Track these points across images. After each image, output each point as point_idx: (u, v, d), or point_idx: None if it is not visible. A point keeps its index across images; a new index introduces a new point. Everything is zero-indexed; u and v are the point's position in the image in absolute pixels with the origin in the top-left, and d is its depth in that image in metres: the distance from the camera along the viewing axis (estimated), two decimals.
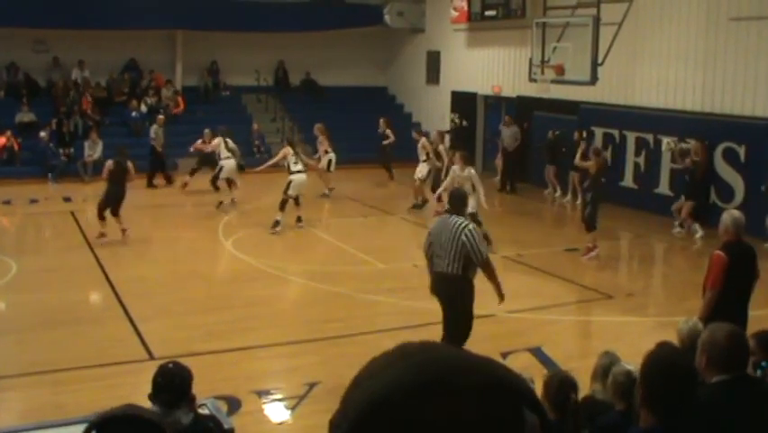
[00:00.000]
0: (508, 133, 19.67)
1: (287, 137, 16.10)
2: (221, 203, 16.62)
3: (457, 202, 7.74)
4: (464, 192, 8.44)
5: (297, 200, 14.78)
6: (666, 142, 15.72)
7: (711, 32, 15.35)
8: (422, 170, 16.82)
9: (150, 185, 19.24)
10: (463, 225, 7.35)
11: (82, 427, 1.98)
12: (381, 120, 20.53)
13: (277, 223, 14.45)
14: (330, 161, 18.01)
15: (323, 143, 18.10)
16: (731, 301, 6.72)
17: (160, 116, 20.35)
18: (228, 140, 17.15)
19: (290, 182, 14.62)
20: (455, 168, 13.82)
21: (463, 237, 7.24)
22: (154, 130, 19.82)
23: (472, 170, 13.60)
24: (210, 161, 17.92)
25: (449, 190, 12.63)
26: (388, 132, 20.16)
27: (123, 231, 13.70)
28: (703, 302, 6.88)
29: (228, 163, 16.89)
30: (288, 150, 14.98)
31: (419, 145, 17.20)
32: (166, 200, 17.84)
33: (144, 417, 1.98)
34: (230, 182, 16.98)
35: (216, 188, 17.09)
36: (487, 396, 0.85)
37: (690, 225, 14.42)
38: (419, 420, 0.83)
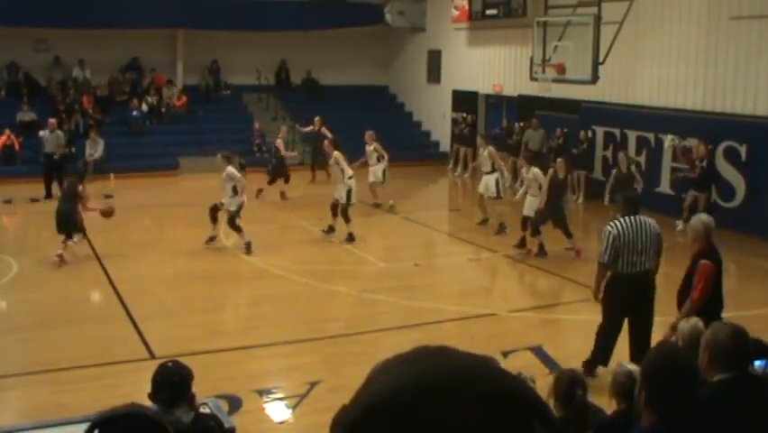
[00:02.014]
0: (536, 137, 18.88)
1: (336, 136, 14.46)
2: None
3: (634, 203, 7.79)
4: (636, 194, 8.53)
5: (336, 210, 13.90)
6: (670, 138, 15.71)
7: (712, 30, 15.35)
8: (489, 184, 14.64)
9: (49, 195, 16.96)
10: (654, 222, 7.58)
11: (83, 426, 1.98)
12: (316, 119, 19.41)
13: (351, 237, 13.72)
14: (384, 170, 16.72)
15: (376, 150, 16.75)
16: (711, 308, 6.55)
17: (52, 120, 18.52)
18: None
19: (350, 190, 13.71)
20: (522, 170, 13.48)
21: (660, 233, 7.55)
22: (43, 136, 18.08)
23: (536, 170, 13.03)
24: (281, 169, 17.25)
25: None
26: (324, 130, 18.73)
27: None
28: (683, 311, 6.69)
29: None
30: (339, 154, 14.01)
31: (484, 154, 14.84)
32: (168, 199, 17.82)
33: (147, 415, 1.98)
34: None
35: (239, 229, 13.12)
36: (495, 405, 0.83)
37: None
38: (421, 423, 0.82)
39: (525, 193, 13.31)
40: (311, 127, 19.53)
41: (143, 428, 1.89)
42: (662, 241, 7.67)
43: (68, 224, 12.11)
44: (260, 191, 17.21)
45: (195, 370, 4.33)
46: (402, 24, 24.98)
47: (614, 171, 14.98)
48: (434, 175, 22.04)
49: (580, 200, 17.89)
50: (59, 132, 18.54)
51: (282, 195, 17.50)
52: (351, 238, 13.77)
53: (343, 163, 13.99)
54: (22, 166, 19.44)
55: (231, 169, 13.08)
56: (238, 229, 12.97)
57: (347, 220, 13.81)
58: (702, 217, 7.06)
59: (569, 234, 12.81)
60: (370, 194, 16.79)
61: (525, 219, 13.10)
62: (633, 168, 14.96)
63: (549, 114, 19.03)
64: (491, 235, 14.39)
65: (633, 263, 7.40)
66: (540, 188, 12.78)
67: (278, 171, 17.57)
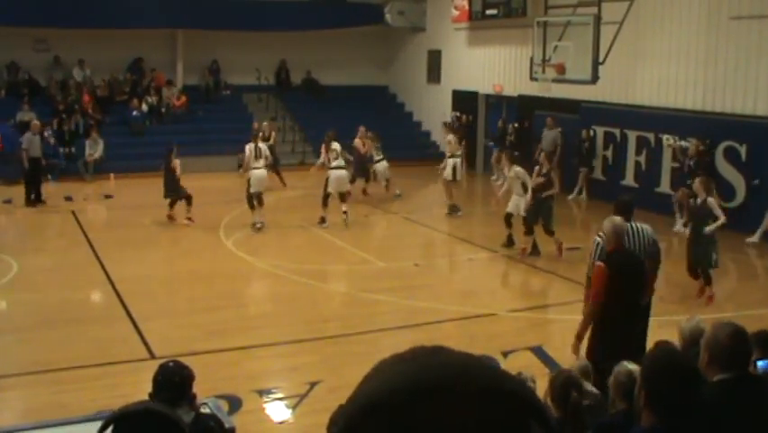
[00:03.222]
0: (550, 137, 18.62)
1: (328, 133, 15.19)
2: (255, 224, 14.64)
3: (626, 208, 7.47)
4: (630, 198, 8.03)
5: (343, 197, 14.80)
6: (666, 138, 15.76)
7: (712, 30, 15.35)
8: (448, 168, 16.61)
9: (29, 203, 16.78)
10: (649, 228, 7.41)
11: (83, 426, 1.98)
12: (266, 123, 19.81)
13: (323, 220, 14.75)
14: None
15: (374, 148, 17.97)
16: (617, 316, 6.38)
17: (35, 122, 17.92)
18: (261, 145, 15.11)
19: (327, 178, 14.75)
20: (504, 170, 13.58)
21: (656, 240, 7.37)
22: (27, 138, 17.22)
23: (517, 168, 13.00)
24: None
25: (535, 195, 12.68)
26: (274, 134, 19.49)
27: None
28: (583, 317, 6.62)
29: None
30: (329, 145, 14.93)
31: (446, 141, 17.19)
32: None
33: (161, 412, 1.97)
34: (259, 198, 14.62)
35: (252, 207, 14.55)
36: (492, 404, 0.83)
37: None
38: (419, 422, 0.81)
39: (508, 191, 13.37)
40: (261, 133, 19.67)
41: (157, 425, 1.89)
42: (659, 248, 7.49)
43: (172, 191, 14.64)
44: (364, 191, 18.12)
45: (195, 370, 4.33)
46: (402, 24, 24.98)
47: (691, 202, 12.19)
48: (434, 175, 21.91)
49: (583, 196, 17.95)
50: (40, 134, 17.84)
51: (364, 191, 18.14)
52: (322, 221, 14.73)
53: (331, 153, 14.82)
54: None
55: (246, 146, 14.90)
56: (251, 206, 14.39)
57: (323, 204, 14.70)
58: (613, 219, 6.77)
59: (550, 232, 12.79)
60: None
61: (509, 216, 13.11)
62: (711, 199, 10.53)
63: (549, 114, 19.03)
64: (475, 225, 14.67)
65: None
66: (524, 186, 12.80)
67: (360, 171, 17.84)
